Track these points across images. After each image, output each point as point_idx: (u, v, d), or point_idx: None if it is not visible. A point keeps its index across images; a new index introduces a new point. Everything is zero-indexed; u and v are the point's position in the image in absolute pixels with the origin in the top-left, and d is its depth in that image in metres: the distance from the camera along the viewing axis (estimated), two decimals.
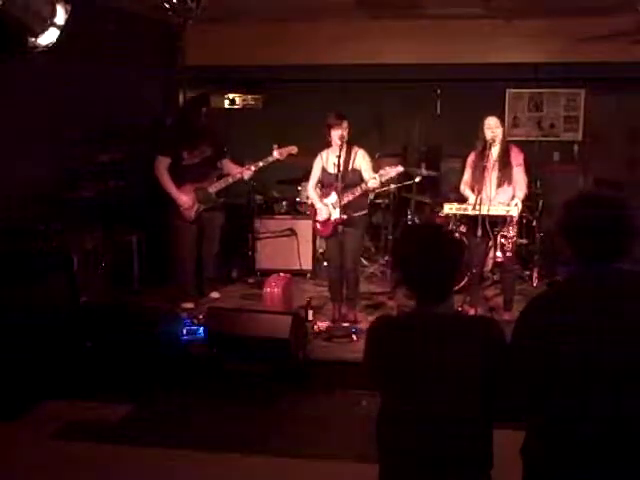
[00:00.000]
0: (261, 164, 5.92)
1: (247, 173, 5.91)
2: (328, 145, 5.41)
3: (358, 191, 5.25)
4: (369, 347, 2.27)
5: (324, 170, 5.46)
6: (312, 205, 5.67)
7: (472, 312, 5.34)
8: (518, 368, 2.06)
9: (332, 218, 5.38)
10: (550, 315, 2.03)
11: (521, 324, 2.10)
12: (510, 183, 5.36)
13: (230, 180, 5.96)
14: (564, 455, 2.00)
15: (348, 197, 5.23)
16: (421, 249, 2.17)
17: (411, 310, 2.28)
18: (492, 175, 5.31)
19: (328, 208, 5.41)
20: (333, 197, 5.34)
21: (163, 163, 5.79)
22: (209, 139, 5.92)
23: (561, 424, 2.00)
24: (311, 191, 5.61)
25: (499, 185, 5.32)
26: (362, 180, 5.30)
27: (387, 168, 5.27)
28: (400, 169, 5.33)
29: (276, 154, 5.87)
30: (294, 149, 5.91)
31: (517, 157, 5.39)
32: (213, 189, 5.91)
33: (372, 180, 5.20)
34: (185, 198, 5.80)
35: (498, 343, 2.13)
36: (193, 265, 6.05)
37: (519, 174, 5.37)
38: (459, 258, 2.26)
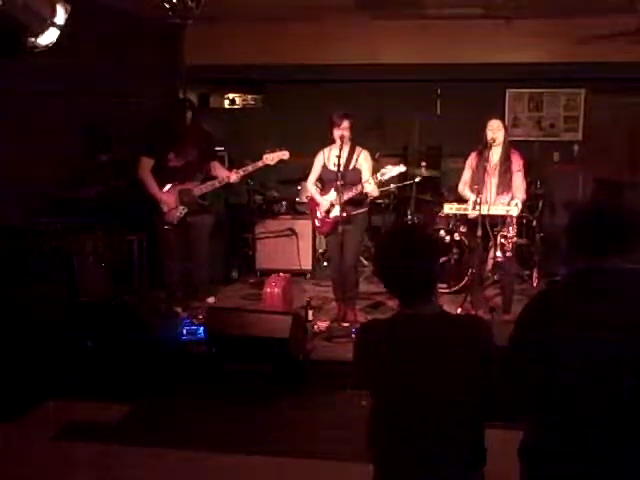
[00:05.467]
0: (250, 169, 5.76)
1: (234, 178, 5.73)
2: (331, 143, 5.40)
3: (357, 190, 5.24)
4: (359, 351, 2.28)
5: (325, 167, 5.47)
6: (311, 202, 5.67)
7: (472, 313, 5.34)
8: (518, 367, 2.06)
9: (331, 215, 5.38)
10: (550, 314, 2.03)
11: (521, 323, 2.11)
12: (509, 191, 5.35)
13: (217, 184, 5.77)
14: (564, 455, 2.00)
15: (347, 195, 5.23)
16: (392, 252, 2.17)
17: (396, 312, 2.29)
18: (492, 181, 5.31)
19: (328, 205, 5.42)
20: (332, 194, 5.35)
21: (147, 164, 5.67)
22: (196, 142, 5.74)
23: (561, 423, 2.00)
24: (311, 186, 5.60)
25: (498, 193, 5.31)
26: (362, 180, 5.30)
27: (389, 166, 5.25)
28: (402, 169, 5.30)
29: (266, 159, 5.70)
30: (285, 154, 5.72)
31: (518, 163, 5.38)
32: (197, 192, 5.72)
33: (367, 185, 5.18)
34: (167, 200, 5.66)
35: (486, 342, 2.13)
36: (179, 269, 5.88)
37: (518, 179, 5.37)
38: (433, 257, 2.24)
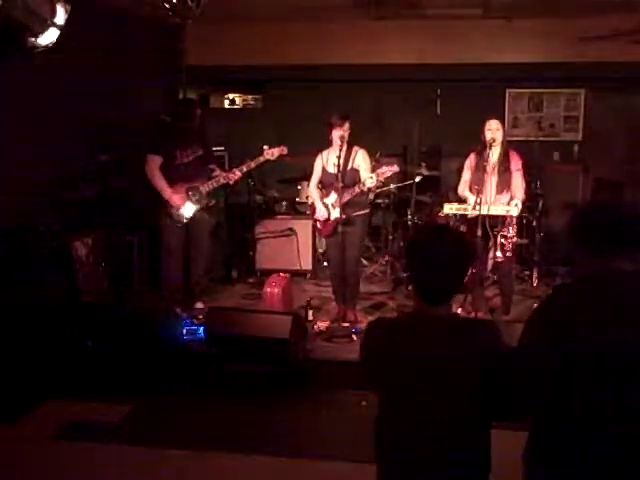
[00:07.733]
0: (253, 165, 5.83)
1: (233, 178, 5.79)
2: (329, 144, 5.41)
3: (356, 190, 5.25)
4: (367, 349, 2.27)
5: (324, 170, 5.48)
6: (312, 204, 5.68)
7: (473, 313, 5.34)
8: (529, 367, 2.03)
9: (332, 217, 5.39)
10: (563, 316, 1.99)
11: (533, 324, 2.07)
12: (509, 190, 5.36)
13: (221, 180, 5.80)
14: (570, 460, 1.99)
15: (347, 196, 5.24)
16: (429, 252, 2.14)
17: (411, 311, 2.28)
18: (492, 180, 5.32)
19: (328, 207, 5.43)
20: (333, 197, 5.37)
21: (155, 162, 5.62)
22: (201, 140, 5.82)
23: (573, 426, 1.98)
24: (313, 190, 5.62)
25: (499, 192, 5.31)
26: (361, 180, 5.30)
27: (384, 167, 5.28)
28: (396, 169, 5.32)
29: (266, 154, 5.78)
30: (284, 150, 5.81)
31: (516, 162, 5.39)
32: (205, 188, 5.74)
33: (369, 179, 5.18)
34: (177, 199, 5.63)
35: (495, 345, 2.12)
36: (180, 268, 5.84)
37: (518, 179, 5.38)
38: (470, 263, 2.26)
